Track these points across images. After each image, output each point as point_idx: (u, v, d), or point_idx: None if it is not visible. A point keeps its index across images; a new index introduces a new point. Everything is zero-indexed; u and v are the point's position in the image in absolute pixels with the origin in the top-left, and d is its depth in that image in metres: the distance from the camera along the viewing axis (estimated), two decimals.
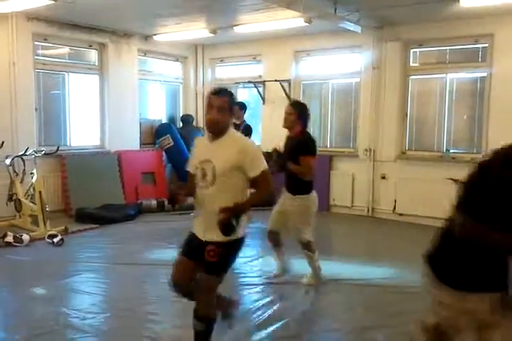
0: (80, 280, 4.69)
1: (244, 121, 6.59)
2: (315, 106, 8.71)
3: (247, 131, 6.24)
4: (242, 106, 6.56)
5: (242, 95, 9.62)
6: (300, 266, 4.51)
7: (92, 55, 8.13)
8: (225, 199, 2.64)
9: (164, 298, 4.20)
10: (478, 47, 6.99)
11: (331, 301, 4.27)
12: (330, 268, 4.70)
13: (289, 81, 8.44)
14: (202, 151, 2.89)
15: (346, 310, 4.00)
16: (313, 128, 8.71)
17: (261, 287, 4.51)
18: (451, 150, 7.22)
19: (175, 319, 3.80)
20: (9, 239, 5.69)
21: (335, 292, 4.40)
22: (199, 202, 2.83)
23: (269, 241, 4.46)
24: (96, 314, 3.82)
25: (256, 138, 9.27)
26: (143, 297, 4.27)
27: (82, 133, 8.15)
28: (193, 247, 2.82)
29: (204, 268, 2.74)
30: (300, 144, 4.14)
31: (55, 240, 5.82)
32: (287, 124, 4.27)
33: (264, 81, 8.70)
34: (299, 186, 4.18)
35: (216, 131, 2.81)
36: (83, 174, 7.46)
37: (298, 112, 4.24)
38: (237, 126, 5.93)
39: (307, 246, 4.26)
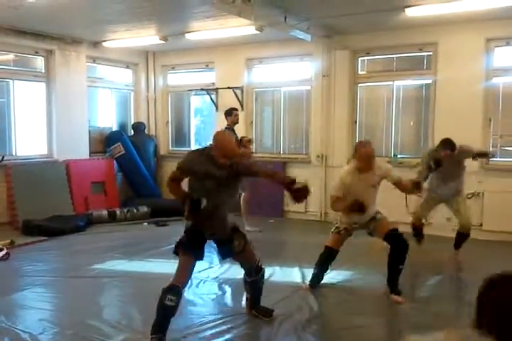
0: (27, 295, 4.50)
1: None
2: (267, 114, 8.79)
3: None
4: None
5: (195, 102, 9.59)
6: None
7: (39, 62, 7.90)
8: None
9: (115, 311, 4.11)
10: (423, 55, 7.26)
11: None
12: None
13: (241, 88, 8.48)
14: None
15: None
16: (266, 136, 8.80)
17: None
18: (398, 156, 7.43)
19: (126, 333, 3.70)
20: None
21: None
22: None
23: None
24: (44, 330, 3.67)
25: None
26: (93, 310, 4.13)
27: (29, 142, 7.88)
28: None
29: None
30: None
31: (0, 254, 5.57)
32: None
33: (217, 88, 8.70)
34: None
35: None
36: (30, 184, 7.20)
37: None
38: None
39: None
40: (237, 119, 7.05)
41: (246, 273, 3.80)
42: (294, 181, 3.37)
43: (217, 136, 3.47)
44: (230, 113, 6.92)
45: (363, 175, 4.28)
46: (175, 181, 3.51)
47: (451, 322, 3.66)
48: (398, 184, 4.27)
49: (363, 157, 4.26)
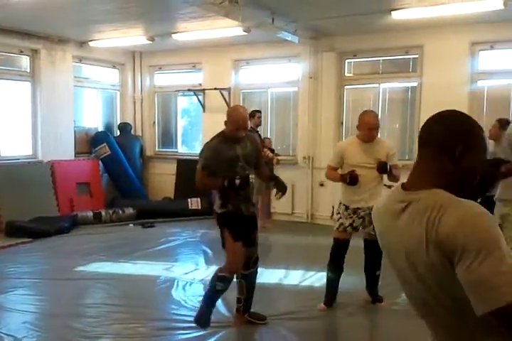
0: (10, 297, 4.45)
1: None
2: None
3: None
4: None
5: (182, 103, 9.56)
6: None
7: (24, 62, 7.81)
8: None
9: (99, 313, 4.07)
10: (409, 58, 7.32)
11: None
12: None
13: (228, 89, 8.47)
14: None
15: None
16: None
17: None
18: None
19: (110, 335, 3.68)
20: None
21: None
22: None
23: None
24: (28, 333, 3.63)
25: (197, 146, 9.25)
26: (77, 313, 4.10)
27: (13, 142, 7.78)
28: None
29: None
30: None
31: None
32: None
33: (204, 89, 8.68)
34: None
35: None
36: (14, 185, 7.10)
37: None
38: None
39: None
40: (260, 121, 7.20)
41: (243, 266, 3.69)
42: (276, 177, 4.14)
43: (231, 110, 3.80)
44: (252, 115, 6.85)
45: (367, 144, 4.02)
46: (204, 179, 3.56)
47: None
48: (392, 168, 3.96)
49: (364, 125, 4.02)
